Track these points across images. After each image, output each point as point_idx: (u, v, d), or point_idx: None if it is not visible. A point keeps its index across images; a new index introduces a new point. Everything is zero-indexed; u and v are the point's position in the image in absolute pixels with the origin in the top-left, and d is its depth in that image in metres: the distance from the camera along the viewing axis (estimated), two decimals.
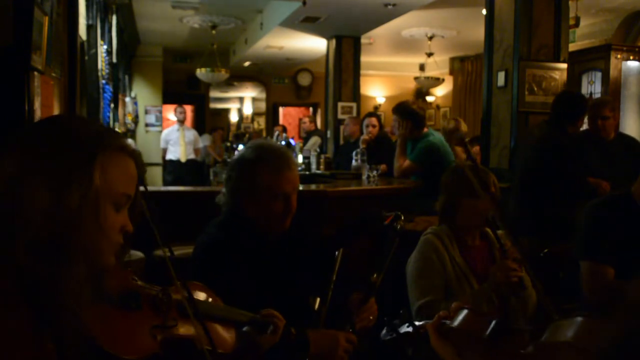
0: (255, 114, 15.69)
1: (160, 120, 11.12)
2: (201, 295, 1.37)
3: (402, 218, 1.86)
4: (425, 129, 4.44)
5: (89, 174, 0.95)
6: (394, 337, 1.41)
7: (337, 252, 1.81)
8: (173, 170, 9.27)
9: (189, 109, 13.68)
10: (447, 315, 1.37)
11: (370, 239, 2.88)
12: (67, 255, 0.92)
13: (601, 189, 3.64)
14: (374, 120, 5.66)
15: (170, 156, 9.30)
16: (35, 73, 2.47)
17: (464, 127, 5.35)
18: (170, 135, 9.36)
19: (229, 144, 9.83)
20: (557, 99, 3.90)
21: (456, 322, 1.31)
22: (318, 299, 1.71)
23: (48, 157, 0.94)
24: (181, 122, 9.37)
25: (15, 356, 0.87)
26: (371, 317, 1.81)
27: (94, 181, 0.95)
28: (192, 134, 9.62)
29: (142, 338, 1.10)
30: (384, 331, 1.43)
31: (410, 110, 4.39)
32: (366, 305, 1.80)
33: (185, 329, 1.18)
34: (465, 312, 1.32)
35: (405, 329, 1.41)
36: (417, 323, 1.40)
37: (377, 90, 13.19)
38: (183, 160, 9.26)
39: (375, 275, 1.79)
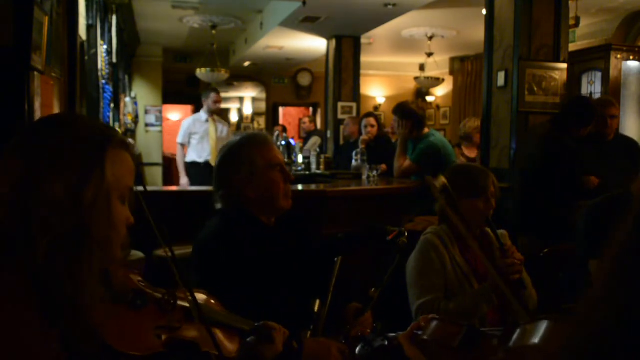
0: (255, 114, 15.68)
1: (160, 120, 11.11)
2: (205, 302, 1.38)
3: (406, 234, 1.88)
4: (427, 130, 4.44)
5: (102, 169, 0.98)
6: (368, 352, 1.41)
7: (336, 260, 1.82)
8: (197, 175, 6.19)
9: (189, 108, 13.70)
10: (419, 326, 1.37)
11: (372, 252, 2.89)
12: (84, 250, 0.94)
13: (590, 184, 3.66)
14: (372, 120, 5.66)
15: (193, 157, 6.29)
16: (35, 73, 2.48)
17: (471, 123, 5.45)
18: (195, 128, 6.32)
19: None
20: (570, 102, 3.92)
21: (427, 334, 1.31)
22: (318, 302, 1.72)
23: (61, 155, 0.96)
24: (213, 113, 6.43)
25: (23, 357, 0.87)
26: (366, 330, 1.82)
27: (106, 176, 0.98)
28: (226, 129, 6.58)
29: (146, 336, 1.10)
30: (359, 347, 1.43)
31: (409, 110, 4.39)
32: (362, 318, 1.81)
33: (189, 332, 1.18)
34: (435, 322, 1.33)
35: (380, 342, 1.40)
36: (390, 335, 1.40)
37: (377, 90, 13.19)
38: (214, 163, 6.00)
39: (373, 290, 1.80)
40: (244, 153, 1.91)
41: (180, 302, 1.19)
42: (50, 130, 1.00)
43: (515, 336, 1.13)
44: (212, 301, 1.40)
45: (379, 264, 1.88)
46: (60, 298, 0.91)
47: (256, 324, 1.42)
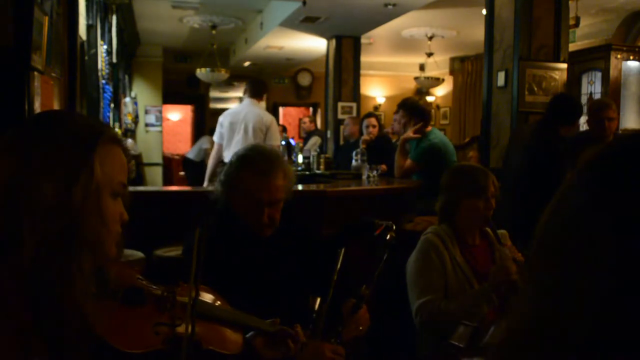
0: None
1: (160, 120, 11.11)
2: (210, 299, 1.37)
3: (394, 229, 1.83)
4: (428, 128, 4.42)
5: (91, 166, 0.95)
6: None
7: (339, 251, 1.80)
8: None
9: (189, 108, 13.69)
10: None
11: (362, 248, 2.88)
12: (74, 249, 0.92)
13: None
14: (373, 120, 5.66)
15: None
16: (35, 73, 2.47)
17: None
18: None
19: None
20: (554, 101, 3.89)
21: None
22: (318, 299, 1.70)
23: (49, 153, 0.94)
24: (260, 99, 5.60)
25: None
26: (361, 328, 1.80)
27: (95, 173, 0.96)
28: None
29: (144, 333, 1.10)
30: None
31: (419, 108, 4.33)
32: (355, 316, 1.79)
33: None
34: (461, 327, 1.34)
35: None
36: None
37: (377, 90, 13.19)
38: None
39: (364, 287, 1.77)
40: (237, 173, 1.87)
41: (179, 298, 1.19)
42: (40, 128, 0.98)
43: (490, 332, 1.16)
44: (218, 300, 1.40)
45: (371, 261, 1.84)
46: (50, 299, 0.90)
47: (267, 323, 1.41)
